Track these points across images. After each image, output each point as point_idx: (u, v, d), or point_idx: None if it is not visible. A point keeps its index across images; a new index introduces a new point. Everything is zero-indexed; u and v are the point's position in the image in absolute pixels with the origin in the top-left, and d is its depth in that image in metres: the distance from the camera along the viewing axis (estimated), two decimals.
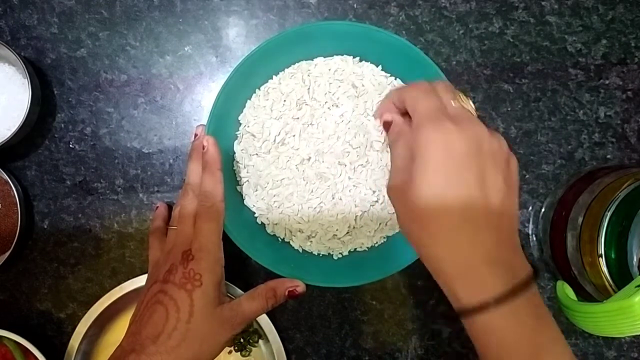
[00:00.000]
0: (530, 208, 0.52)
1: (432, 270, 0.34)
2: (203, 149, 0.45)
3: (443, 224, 0.32)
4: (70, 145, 0.53)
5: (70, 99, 0.53)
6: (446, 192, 0.32)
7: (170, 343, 0.38)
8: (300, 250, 0.49)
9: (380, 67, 0.49)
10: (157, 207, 0.50)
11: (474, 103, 0.52)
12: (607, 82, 0.53)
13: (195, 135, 0.46)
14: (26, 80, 0.48)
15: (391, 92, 0.40)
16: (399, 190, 0.35)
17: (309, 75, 0.49)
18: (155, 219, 0.49)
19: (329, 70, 0.49)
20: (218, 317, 0.40)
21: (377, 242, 0.49)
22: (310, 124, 0.48)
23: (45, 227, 0.53)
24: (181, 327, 0.38)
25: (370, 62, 0.49)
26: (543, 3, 0.53)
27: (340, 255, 0.49)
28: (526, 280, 0.32)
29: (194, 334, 0.38)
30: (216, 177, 0.44)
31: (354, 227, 0.48)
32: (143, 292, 0.41)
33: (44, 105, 0.52)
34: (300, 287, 0.43)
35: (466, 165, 0.32)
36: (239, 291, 0.48)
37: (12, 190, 0.49)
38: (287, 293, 0.43)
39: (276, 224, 0.49)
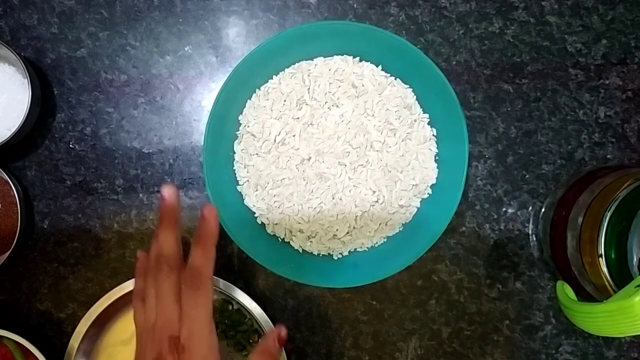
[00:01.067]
0: (530, 208, 0.52)
1: None
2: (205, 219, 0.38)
3: None
4: (70, 145, 0.53)
5: (70, 99, 0.53)
6: None
7: None
8: (300, 250, 0.49)
9: (380, 67, 0.49)
10: (138, 258, 0.42)
11: (474, 103, 0.52)
12: (607, 82, 0.53)
13: (163, 198, 0.38)
14: (26, 80, 0.48)
15: None
16: None
17: (309, 75, 0.49)
18: (136, 276, 0.41)
19: (329, 70, 0.49)
20: None
21: (377, 242, 0.49)
22: (310, 124, 0.48)
23: (45, 227, 0.53)
24: None
25: (370, 62, 0.49)
26: (543, 3, 0.53)
27: (340, 255, 0.49)
28: None
29: None
30: (210, 253, 0.38)
31: (354, 227, 0.49)
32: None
33: (44, 105, 0.52)
34: (283, 331, 0.40)
35: None
36: (239, 291, 0.48)
37: (12, 190, 0.49)
38: (277, 344, 0.40)
39: (276, 224, 0.49)
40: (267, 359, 0.39)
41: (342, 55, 0.49)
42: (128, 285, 0.48)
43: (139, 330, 0.38)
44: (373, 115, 0.48)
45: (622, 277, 0.40)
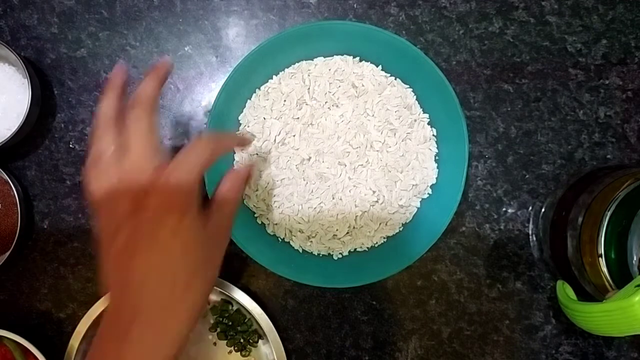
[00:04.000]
0: (530, 208, 0.52)
1: None
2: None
3: None
4: (70, 145, 0.53)
5: (70, 99, 0.53)
6: None
7: (176, 293, 0.33)
8: (300, 251, 0.49)
9: (380, 67, 0.49)
10: (117, 70, 0.38)
11: (474, 103, 0.52)
12: (607, 82, 0.53)
13: (161, 62, 0.38)
14: (26, 80, 0.48)
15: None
16: None
17: (309, 75, 0.49)
18: (110, 90, 0.37)
19: (329, 70, 0.49)
20: (211, 242, 0.35)
21: (377, 242, 0.49)
22: (311, 124, 0.48)
23: (45, 227, 0.53)
24: (182, 271, 0.33)
25: (370, 62, 0.49)
26: (543, 3, 0.53)
27: (340, 256, 0.49)
28: None
29: (196, 271, 0.33)
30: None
31: (354, 227, 0.49)
32: (103, 246, 0.34)
33: (44, 105, 0.52)
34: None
35: None
36: (239, 291, 0.48)
37: (12, 190, 0.49)
38: (245, 176, 0.39)
39: (276, 224, 0.49)
40: (234, 180, 0.38)
41: (342, 55, 0.49)
42: None
43: (97, 195, 0.35)
44: (373, 115, 0.48)
45: (622, 277, 0.40)
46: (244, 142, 0.43)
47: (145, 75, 0.38)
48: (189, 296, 0.33)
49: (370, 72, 0.49)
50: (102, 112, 0.36)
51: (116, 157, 0.34)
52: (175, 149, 0.53)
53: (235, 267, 0.52)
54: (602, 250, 0.40)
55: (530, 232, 0.52)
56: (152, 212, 0.32)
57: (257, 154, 0.49)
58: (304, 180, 0.48)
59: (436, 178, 0.49)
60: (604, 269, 0.40)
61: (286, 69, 0.49)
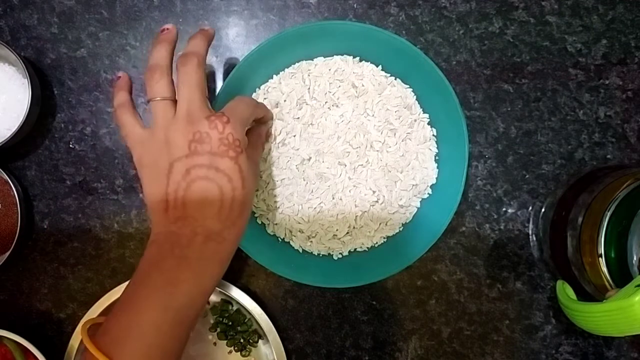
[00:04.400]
0: (530, 208, 0.52)
1: None
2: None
3: None
4: (70, 145, 0.53)
5: (70, 99, 0.53)
6: None
7: (233, 214, 0.36)
8: (300, 251, 0.49)
9: (380, 67, 0.49)
10: (119, 76, 0.43)
11: (474, 103, 0.52)
12: (607, 82, 0.53)
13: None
14: (26, 80, 0.48)
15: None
16: None
17: (309, 75, 0.49)
18: (118, 90, 0.42)
19: (329, 70, 0.49)
20: (254, 163, 0.40)
21: (377, 242, 0.49)
22: (311, 124, 0.48)
23: (45, 227, 0.53)
24: (239, 196, 0.37)
25: (370, 62, 0.49)
26: (543, 3, 0.53)
27: (340, 256, 0.49)
28: None
29: (249, 195, 0.38)
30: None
31: (354, 227, 0.49)
32: (154, 179, 0.37)
33: (44, 105, 0.52)
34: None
35: None
36: (239, 291, 0.48)
37: (12, 190, 0.49)
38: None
39: (276, 224, 0.49)
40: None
41: (342, 55, 0.49)
42: None
43: (138, 143, 0.39)
44: (373, 115, 0.48)
45: (622, 277, 0.40)
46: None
47: (191, 37, 0.41)
48: (242, 218, 0.38)
49: (370, 72, 0.49)
50: (156, 59, 0.40)
51: (171, 104, 0.38)
52: None
53: (235, 267, 0.52)
54: (602, 250, 0.40)
55: (530, 232, 0.52)
56: (214, 145, 0.36)
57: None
58: (304, 180, 0.48)
59: (436, 178, 0.49)
60: (604, 269, 0.40)
61: (286, 69, 0.49)
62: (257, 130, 0.45)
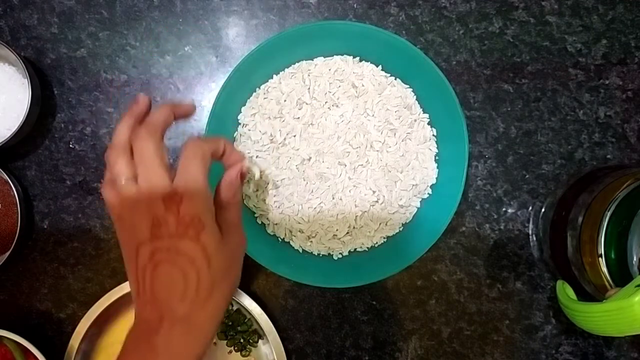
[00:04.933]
0: (530, 208, 0.52)
1: None
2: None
3: None
4: (70, 145, 0.53)
5: (70, 99, 0.53)
6: None
7: (200, 297, 0.34)
8: (300, 251, 0.49)
9: (380, 67, 0.49)
10: (137, 102, 0.38)
11: (474, 103, 0.52)
12: (607, 82, 0.53)
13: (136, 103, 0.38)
14: (26, 80, 0.48)
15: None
16: None
17: (309, 75, 0.49)
18: (124, 121, 0.38)
19: (329, 70, 0.49)
20: (230, 245, 0.36)
21: (377, 242, 0.49)
22: (311, 124, 0.48)
23: (45, 227, 0.53)
24: (205, 277, 0.34)
25: (370, 62, 0.49)
26: (543, 3, 0.53)
27: (340, 256, 0.49)
28: None
29: (218, 274, 0.35)
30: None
31: (354, 227, 0.49)
32: (127, 261, 0.36)
33: (44, 105, 0.52)
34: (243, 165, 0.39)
35: None
36: (239, 291, 0.48)
37: (12, 190, 0.49)
38: (238, 177, 0.38)
39: (276, 224, 0.49)
40: (230, 194, 0.38)
41: (342, 55, 0.49)
42: (128, 285, 0.48)
43: (116, 212, 0.36)
44: (373, 115, 0.48)
45: (622, 277, 0.40)
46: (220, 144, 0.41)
47: (159, 106, 0.38)
48: (212, 300, 0.35)
49: (370, 72, 0.49)
50: (116, 138, 0.37)
51: (131, 179, 0.36)
52: (176, 149, 0.53)
53: None
54: (602, 250, 0.40)
55: (530, 232, 0.52)
56: (171, 227, 0.34)
57: (257, 155, 0.49)
58: (304, 180, 0.48)
59: (436, 178, 0.49)
60: (604, 269, 0.40)
61: (286, 69, 0.49)
62: (226, 185, 0.39)
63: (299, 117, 0.48)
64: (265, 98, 0.49)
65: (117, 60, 0.53)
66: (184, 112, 0.39)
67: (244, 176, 0.39)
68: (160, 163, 0.36)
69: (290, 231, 0.49)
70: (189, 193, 0.35)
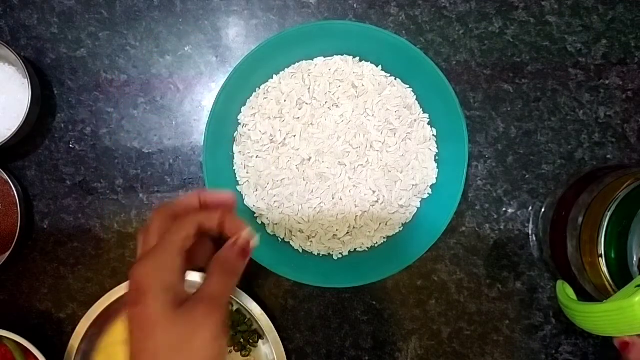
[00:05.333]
0: (530, 208, 0.52)
1: None
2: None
3: None
4: (70, 145, 0.53)
5: (70, 99, 0.53)
6: None
7: None
8: (300, 251, 0.49)
9: (380, 67, 0.49)
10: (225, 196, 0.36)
11: (474, 103, 0.52)
12: (607, 82, 0.53)
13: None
14: (26, 80, 0.48)
15: None
16: None
17: (309, 75, 0.49)
18: (189, 198, 0.35)
19: (329, 70, 0.49)
20: (186, 316, 0.32)
21: (377, 243, 0.49)
22: (311, 124, 0.48)
23: (45, 227, 0.53)
24: (143, 347, 0.32)
25: (370, 62, 0.49)
26: (543, 3, 0.53)
27: (340, 256, 0.49)
28: None
29: (163, 348, 0.32)
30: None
31: (354, 227, 0.48)
32: None
33: (44, 105, 0.52)
34: (253, 240, 0.34)
35: None
36: (239, 291, 0.48)
37: (12, 190, 0.49)
38: (240, 252, 0.34)
39: (276, 224, 0.49)
40: (225, 267, 0.34)
41: (342, 55, 0.49)
42: (128, 286, 0.48)
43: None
44: (373, 115, 0.48)
45: (622, 277, 0.40)
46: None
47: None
48: None
49: (370, 72, 0.49)
50: (153, 222, 0.35)
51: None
52: (175, 149, 0.53)
53: None
54: (602, 250, 0.40)
55: (530, 232, 0.52)
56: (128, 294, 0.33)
57: (257, 155, 0.49)
58: (304, 180, 0.48)
59: (436, 178, 0.49)
60: (604, 269, 0.40)
61: (286, 69, 0.49)
62: (218, 269, 0.34)
63: (299, 117, 0.48)
64: (265, 98, 0.49)
65: (117, 60, 0.53)
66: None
67: (246, 253, 0.35)
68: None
69: (290, 231, 0.49)
70: (143, 259, 0.33)
